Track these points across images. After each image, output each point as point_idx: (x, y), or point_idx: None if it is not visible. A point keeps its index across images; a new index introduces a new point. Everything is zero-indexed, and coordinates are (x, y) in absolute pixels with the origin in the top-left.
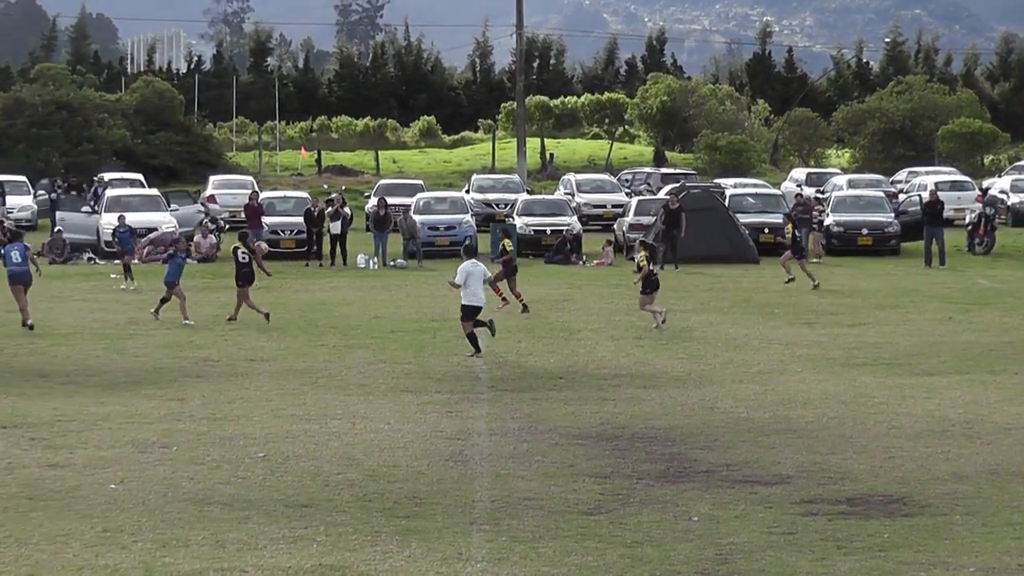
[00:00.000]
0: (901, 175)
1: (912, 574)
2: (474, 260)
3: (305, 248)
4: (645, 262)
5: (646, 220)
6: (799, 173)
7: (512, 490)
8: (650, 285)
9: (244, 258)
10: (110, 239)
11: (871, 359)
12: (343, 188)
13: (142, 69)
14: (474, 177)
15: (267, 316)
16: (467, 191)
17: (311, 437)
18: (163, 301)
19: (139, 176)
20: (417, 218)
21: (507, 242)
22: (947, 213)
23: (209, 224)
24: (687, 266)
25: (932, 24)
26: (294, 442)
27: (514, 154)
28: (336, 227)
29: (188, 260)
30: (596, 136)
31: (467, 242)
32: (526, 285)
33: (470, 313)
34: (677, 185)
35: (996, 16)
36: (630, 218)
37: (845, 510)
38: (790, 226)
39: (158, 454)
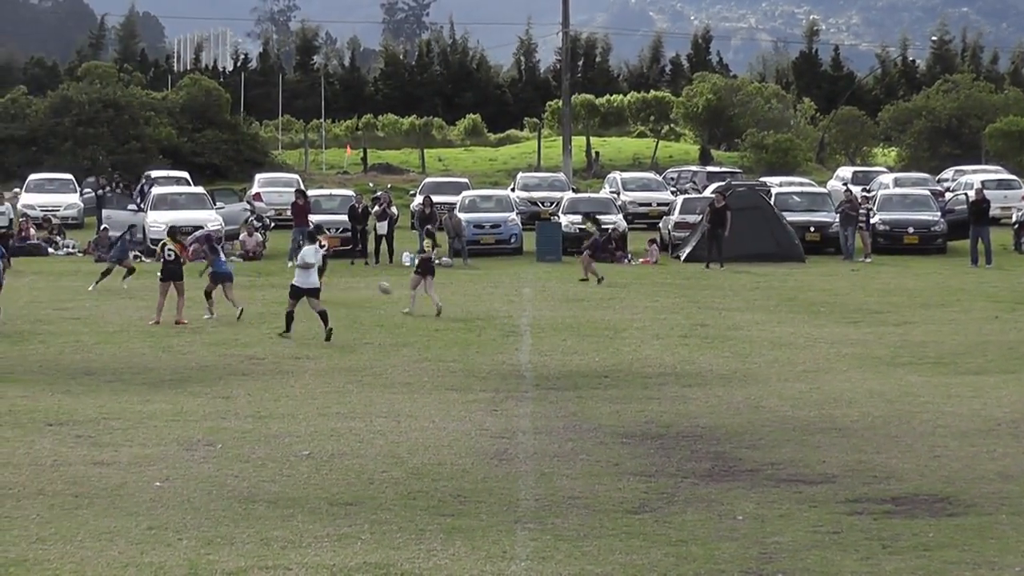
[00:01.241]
0: (947, 174)
1: (958, 574)
2: (317, 247)
3: (350, 246)
4: (429, 248)
5: (692, 218)
6: (845, 172)
7: (557, 488)
8: (425, 268)
9: (170, 255)
10: (156, 237)
11: (917, 358)
12: (389, 186)
13: (189, 67)
14: (520, 175)
15: (171, 323)
16: (513, 189)
17: (356, 435)
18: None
19: (185, 174)
20: (462, 216)
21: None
22: (993, 212)
23: (255, 222)
24: (733, 265)
25: (979, 22)
26: (339, 440)
27: (560, 152)
28: (383, 227)
29: (233, 258)
30: (642, 134)
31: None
32: (572, 283)
33: (297, 293)
34: (723, 184)
35: None
36: (676, 216)
37: (891, 509)
38: (589, 224)
39: (203, 452)
